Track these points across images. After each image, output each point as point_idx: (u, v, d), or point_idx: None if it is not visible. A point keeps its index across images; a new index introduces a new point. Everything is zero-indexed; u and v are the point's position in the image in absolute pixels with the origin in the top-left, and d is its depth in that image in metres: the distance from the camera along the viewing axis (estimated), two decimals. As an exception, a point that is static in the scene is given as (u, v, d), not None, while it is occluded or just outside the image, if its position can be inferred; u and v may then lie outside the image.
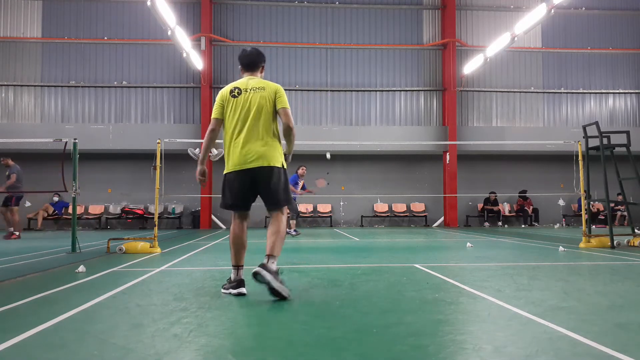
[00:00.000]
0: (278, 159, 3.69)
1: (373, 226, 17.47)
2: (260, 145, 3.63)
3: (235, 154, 3.65)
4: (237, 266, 3.74)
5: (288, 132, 3.83)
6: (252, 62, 3.92)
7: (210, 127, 3.81)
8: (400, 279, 4.54)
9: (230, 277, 3.81)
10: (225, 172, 3.75)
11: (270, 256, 3.51)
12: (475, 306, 3.30)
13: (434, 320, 2.91)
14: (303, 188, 12.22)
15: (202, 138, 15.56)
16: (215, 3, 17.15)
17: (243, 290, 3.65)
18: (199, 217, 16.47)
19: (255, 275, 3.41)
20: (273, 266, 3.47)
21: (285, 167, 3.78)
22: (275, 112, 3.75)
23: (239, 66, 4.01)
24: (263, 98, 3.71)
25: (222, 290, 3.80)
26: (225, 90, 3.85)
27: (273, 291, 3.41)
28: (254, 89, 3.75)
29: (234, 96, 3.75)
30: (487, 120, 17.84)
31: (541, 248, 7.84)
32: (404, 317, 2.97)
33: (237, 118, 3.68)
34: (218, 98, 3.84)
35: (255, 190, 3.71)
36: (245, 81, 3.85)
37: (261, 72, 3.99)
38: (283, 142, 3.91)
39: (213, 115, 3.82)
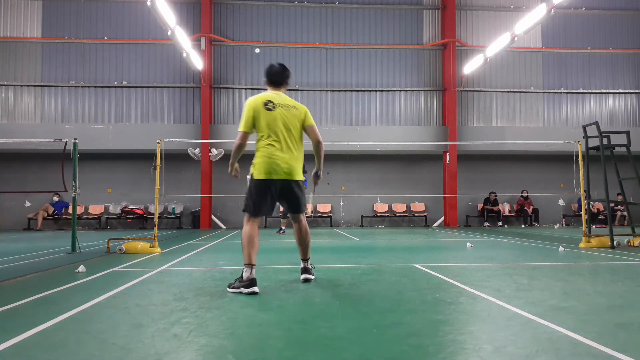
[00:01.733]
0: (301, 173, 4.15)
1: (373, 226, 17.46)
2: (292, 160, 4.00)
3: (271, 164, 3.92)
4: (251, 265, 3.82)
5: (317, 147, 4.25)
6: (279, 80, 4.18)
7: (239, 142, 3.98)
8: (400, 279, 4.54)
9: (241, 276, 3.83)
10: (256, 177, 3.96)
11: (306, 260, 4.35)
12: (475, 306, 3.30)
13: (434, 320, 2.91)
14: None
15: (202, 138, 15.69)
16: (215, 3, 17.15)
17: (256, 289, 3.73)
18: (199, 217, 16.47)
19: (305, 280, 4.30)
20: (309, 265, 4.37)
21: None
22: (302, 130, 4.17)
23: (265, 80, 4.23)
24: (295, 117, 4.08)
25: (230, 290, 3.82)
26: (256, 102, 3.99)
27: (309, 280, 4.31)
28: (288, 106, 4.07)
29: (269, 109, 3.96)
30: (487, 120, 17.84)
31: (541, 248, 7.84)
32: (404, 317, 2.97)
33: (275, 131, 3.95)
34: (249, 110, 3.96)
35: (280, 198, 4.09)
36: (275, 96, 4.07)
37: (285, 88, 4.26)
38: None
39: (243, 129, 3.97)
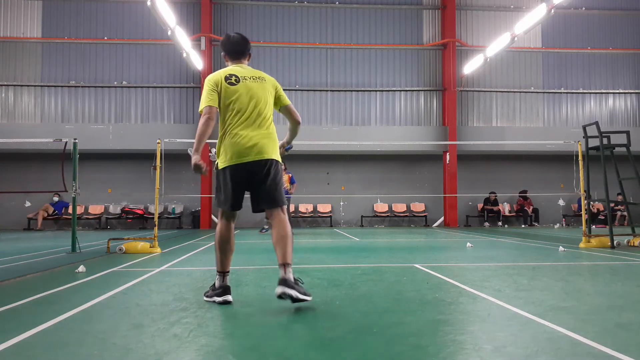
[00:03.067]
0: (277, 153, 3.48)
1: (373, 226, 17.46)
2: (264, 137, 3.38)
3: (236, 146, 3.33)
4: (224, 272, 3.44)
5: (296, 128, 3.72)
6: (240, 50, 3.61)
7: (206, 116, 3.33)
8: (400, 279, 4.54)
9: (214, 284, 3.52)
10: (221, 166, 3.40)
11: (285, 265, 3.23)
12: (475, 306, 3.30)
13: (434, 320, 2.91)
14: (291, 182, 12.35)
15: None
16: (215, 3, 17.15)
17: (229, 297, 3.38)
18: (199, 217, 16.47)
19: (280, 297, 3.15)
20: (291, 275, 3.20)
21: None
22: (272, 105, 3.57)
23: (222, 53, 3.67)
24: (264, 89, 3.49)
25: (205, 298, 3.50)
26: (217, 76, 3.45)
27: (296, 301, 3.16)
28: (253, 78, 3.49)
29: (232, 84, 3.41)
30: (487, 120, 17.83)
31: (541, 248, 7.84)
32: (404, 317, 2.97)
33: (240, 108, 3.38)
34: (210, 85, 3.42)
35: (250, 186, 3.43)
36: (239, 69, 3.53)
37: (248, 60, 3.68)
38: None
39: (208, 103, 3.37)
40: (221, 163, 3.40)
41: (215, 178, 3.51)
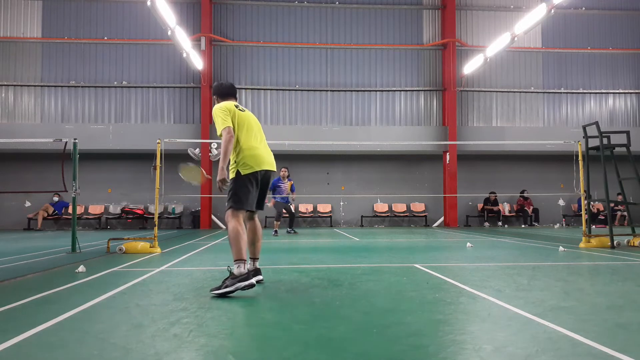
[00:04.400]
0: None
1: (373, 226, 17.46)
2: (270, 153, 4.30)
3: (256, 157, 4.10)
4: (243, 260, 3.84)
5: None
6: (232, 92, 4.46)
7: (229, 136, 3.97)
8: (400, 279, 4.54)
9: (231, 274, 3.74)
10: (245, 172, 4.03)
11: (257, 259, 4.29)
12: (475, 306, 3.30)
13: (434, 320, 2.91)
14: (292, 190, 12.15)
15: (202, 138, 15.68)
16: (215, 3, 17.15)
17: (254, 281, 3.79)
18: (199, 217, 16.48)
19: (259, 282, 4.16)
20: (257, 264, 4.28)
21: None
22: None
23: (215, 96, 4.43)
24: (254, 118, 4.41)
25: (222, 291, 3.66)
26: (229, 105, 4.20)
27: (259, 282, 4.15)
28: (247, 111, 4.40)
29: (241, 111, 4.26)
30: (487, 120, 17.83)
31: (541, 248, 7.84)
32: (404, 317, 2.97)
33: (250, 129, 4.20)
34: (225, 111, 4.11)
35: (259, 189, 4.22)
36: (236, 104, 4.33)
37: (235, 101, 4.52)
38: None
39: (228, 124, 4.02)
40: (242, 171, 4.04)
41: (234, 184, 4.05)
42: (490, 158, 17.96)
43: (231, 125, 4.03)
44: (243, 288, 3.66)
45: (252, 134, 4.17)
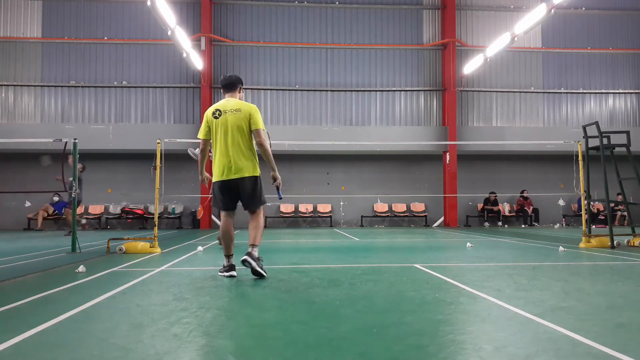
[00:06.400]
0: (253, 170, 4.48)
1: (373, 226, 17.46)
2: (238, 160, 4.40)
3: (220, 167, 4.44)
4: (228, 255, 4.68)
5: (261, 150, 4.50)
6: (230, 84, 4.61)
7: (200, 147, 4.68)
8: (400, 279, 4.54)
9: (223, 264, 4.72)
10: (213, 180, 4.58)
11: (253, 245, 4.45)
12: (475, 306, 3.30)
13: (434, 320, 2.91)
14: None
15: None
16: (215, 3, 17.15)
17: (234, 273, 4.57)
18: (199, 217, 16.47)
19: (243, 262, 4.38)
20: (255, 253, 4.42)
21: (259, 174, 4.57)
22: (250, 131, 4.46)
23: (221, 89, 4.76)
24: (239, 119, 4.42)
25: (219, 274, 4.68)
26: (209, 112, 4.53)
27: (255, 272, 4.40)
28: (232, 111, 4.45)
29: (216, 117, 4.46)
30: (487, 120, 17.83)
31: (541, 248, 7.84)
32: (404, 317, 2.97)
33: (220, 137, 4.42)
34: (204, 119, 4.55)
35: (237, 195, 4.54)
36: (225, 103, 4.53)
37: (240, 92, 4.69)
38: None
39: (199, 136, 4.59)
40: (213, 179, 4.60)
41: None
42: (490, 158, 17.96)
43: (203, 137, 4.56)
44: (226, 277, 4.56)
45: (217, 143, 4.43)
